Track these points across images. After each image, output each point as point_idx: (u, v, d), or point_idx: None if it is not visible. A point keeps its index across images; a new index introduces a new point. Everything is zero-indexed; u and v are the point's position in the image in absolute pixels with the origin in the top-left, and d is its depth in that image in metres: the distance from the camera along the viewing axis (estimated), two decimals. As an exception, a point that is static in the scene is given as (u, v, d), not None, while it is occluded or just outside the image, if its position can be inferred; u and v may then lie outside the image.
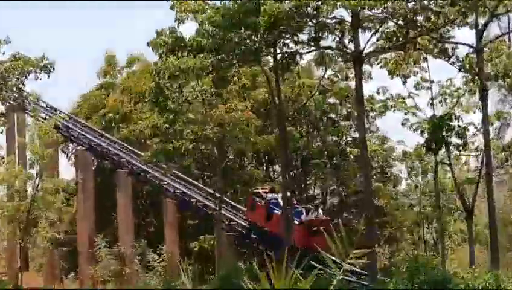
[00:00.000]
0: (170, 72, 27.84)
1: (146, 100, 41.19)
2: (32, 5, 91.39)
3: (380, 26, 26.64)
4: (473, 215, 31.86)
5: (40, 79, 40.37)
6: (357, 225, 41.14)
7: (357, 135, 42.55)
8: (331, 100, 47.53)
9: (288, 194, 30.37)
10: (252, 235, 36.12)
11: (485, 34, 27.19)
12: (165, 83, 29.19)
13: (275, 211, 33.41)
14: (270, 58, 30.19)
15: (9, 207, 36.77)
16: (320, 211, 33.24)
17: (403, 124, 31.94)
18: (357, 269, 27.21)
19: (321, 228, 30.69)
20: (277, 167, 47.84)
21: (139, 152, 41.15)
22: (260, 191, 35.36)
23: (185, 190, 40.76)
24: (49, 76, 40.32)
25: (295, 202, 34.00)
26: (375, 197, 43.24)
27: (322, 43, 26.79)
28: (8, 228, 38.90)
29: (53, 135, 37.89)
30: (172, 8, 27.13)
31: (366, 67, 28.73)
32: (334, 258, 5.45)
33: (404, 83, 30.48)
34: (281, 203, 33.18)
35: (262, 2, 25.17)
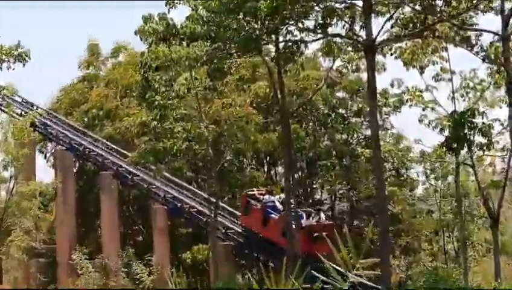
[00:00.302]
0: (160, 62, 27.88)
1: (133, 94, 41.31)
2: (32, 5, 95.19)
3: (395, 12, 26.64)
4: (498, 223, 31.89)
5: (13, 69, 40.36)
6: (367, 232, 41.19)
7: (369, 132, 42.59)
8: (340, 94, 47.58)
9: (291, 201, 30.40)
10: (251, 245, 36.16)
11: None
12: (154, 75, 29.22)
13: (272, 215, 33.52)
14: (271, 48, 30.20)
15: (-20, 214, 36.84)
16: (322, 215, 33.31)
17: (420, 121, 31.97)
18: (366, 282, 27.25)
19: (323, 233, 30.91)
20: (280, 169, 47.90)
21: (126, 152, 41.22)
22: (255, 193, 35.48)
23: (176, 195, 40.83)
24: (24, 65, 40.30)
25: (293, 204, 34.03)
26: (390, 203, 43.26)
27: (330, 30, 26.79)
28: (-21, 237, 38.97)
29: (29, 133, 37.92)
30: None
31: (379, 57, 28.70)
32: (339, 268, 5.50)
33: (421, 73, 30.49)
34: (279, 207, 33.27)
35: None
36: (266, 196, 34.51)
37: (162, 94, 30.24)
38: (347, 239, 5.65)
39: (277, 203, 33.63)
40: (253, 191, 36.46)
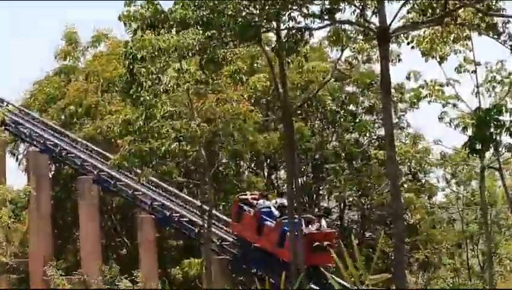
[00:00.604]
0: (146, 52, 27.82)
1: (116, 89, 41.20)
2: (35, 4, 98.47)
3: (412, -5, 26.63)
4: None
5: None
6: (377, 244, 41.19)
7: (382, 132, 42.51)
8: (350, 88, 47.57)
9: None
10: (248, 258, 36.16)
11: (543, 4, 27.20)
12: (139, 67, 29.15)
13: (268, 223, 33.56)
14: (272, 36, 30.18)
15: None
16: (323, 222, 33.38)
17: (440, 119, 31.93)
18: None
19: (325, 243, 31.09)
20: (282, 173, 47.86)
21: (108, 154, 41.16)
22: (248, 197, 35.52)
23: (165, 202, 40.79)
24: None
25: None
26: (406, 211, 43.22)
27: (338, 16, 26.76)
28: None
29: (-1, 132, 37.92)
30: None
31: (393, 46, 28.68)
32: (346, 284, 5.46)
33: (440, 63, 30.38)
34: (275, 213, 33.28)
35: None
36: (261, 201, 34.54)
37: (148, 89, 30.16)
38: (355, 251, 5.60)
39: (273, 209, 33.69)
40: (245, 195, 36.50)
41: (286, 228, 32.35)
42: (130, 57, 28.05)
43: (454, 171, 44.03)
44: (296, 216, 32.78)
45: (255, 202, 34.84)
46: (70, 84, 50.22)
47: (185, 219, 40.12)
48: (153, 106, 30.61)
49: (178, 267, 42.59)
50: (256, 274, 35.66)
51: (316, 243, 30.82)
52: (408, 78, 32.80)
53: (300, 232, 30.89)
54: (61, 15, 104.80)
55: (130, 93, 29.82)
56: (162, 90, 30.36)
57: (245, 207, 35.12)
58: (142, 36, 27.49)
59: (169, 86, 30.32)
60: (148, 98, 30.05)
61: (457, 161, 40.03)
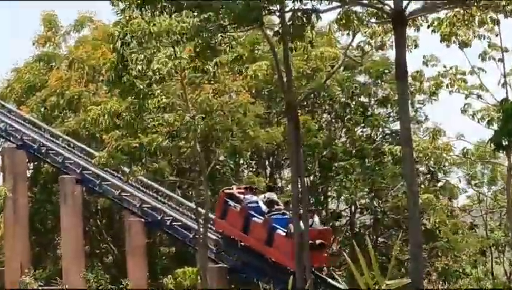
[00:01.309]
0: (136, 37, 27.80)
1: (103, 78, 41.16)
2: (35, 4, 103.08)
3: (430, -26, 26.61)
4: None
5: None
6: (392, 251, 41.11)
7: (397, 126, 42.48)
8: (361, 78, 47.51)
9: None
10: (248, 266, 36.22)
11: None
12: (131, 52, 29.09)
13: (255, 219, 33.59)
14: (275, 19, 30.12)
15: None
16: (316, 218, 33.33)
17: (463, 111, 31.92)
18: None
19: (318, 241, 31.06)
20: (286, 172, 47.83)
21: (92, 151, 41.17)
22: (234, 191, 35.55)
23: (156, 204, 40.80)
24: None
25: (280, 204, 34.08)
26: (424, 215, 43.18)
27: (349, -4, 26.75)
28: None
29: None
30: None
31: (410, 31, 28.63)
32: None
33: (461, 47, 30.28)
34: (263, 208, 33.32)
35: None
36: (248, 195, 34.56)
37: (142, 77, 30.10)
38: (371, 254, 5.55)
39: (261, 204, 33.74)
40: (231, 189, 36.53)
41: (275, 225, 32.47)
42: (124, 37, 27.98)
43: (474, 171, 43.95)
44: (286, 211, 32.86)
45: (241, 196, 34.87)
46: (51, 73, 50.14)
47: (178, 223, 40.14)
48: (146, 96, 30.55)
49: (170, 276, 42.57)
50: (261, 285, 35.68)
51: (309, 242, 30.72)
52: (425, 63, 32.74)
53: (289, 230, 30.95)
54: (60, 15, 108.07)
55: (120, 82, 29.75)
56: (156, 78, 30.28)
57: (230, 202, 35.16)
58: (129, 17, 27.49)
59: (162, 72, 30.18)
60: (141, 86, 29.97)
61: (479, 158, 39.97)
